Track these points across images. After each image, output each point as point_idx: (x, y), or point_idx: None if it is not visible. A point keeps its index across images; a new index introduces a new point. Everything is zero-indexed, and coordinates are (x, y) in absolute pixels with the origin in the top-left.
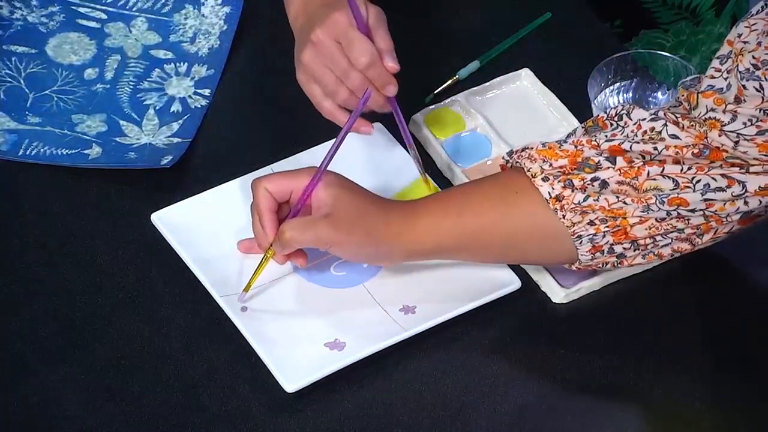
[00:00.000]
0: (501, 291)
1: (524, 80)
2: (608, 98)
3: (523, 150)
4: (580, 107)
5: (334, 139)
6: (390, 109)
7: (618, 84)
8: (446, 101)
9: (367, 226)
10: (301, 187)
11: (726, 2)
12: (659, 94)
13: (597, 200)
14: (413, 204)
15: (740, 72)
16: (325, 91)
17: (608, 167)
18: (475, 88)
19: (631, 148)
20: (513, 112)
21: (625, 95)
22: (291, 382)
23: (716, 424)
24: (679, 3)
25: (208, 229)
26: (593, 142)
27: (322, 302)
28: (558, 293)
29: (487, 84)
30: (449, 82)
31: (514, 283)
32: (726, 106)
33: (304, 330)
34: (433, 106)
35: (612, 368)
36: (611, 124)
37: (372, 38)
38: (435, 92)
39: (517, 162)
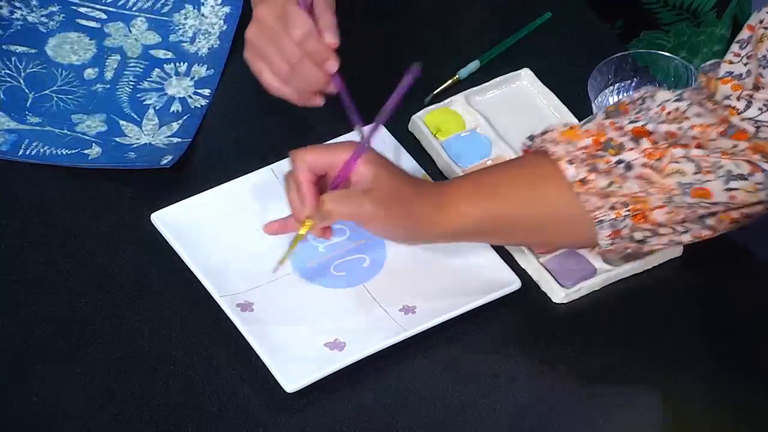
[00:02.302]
0: (501, 291)
1: (524, 80)
2: (608, 98)
3: (544, 133)
4: (580, 107)
5: (377, 115)
6: (335, 89)
7: (618, 84)
8: (446, 101)
9: (404, 205)
10: (340, 161)
11: (727, 4)
12: None
13: (620, 187)
14: (445, 186)
15: (758, 59)
16: (269, 67)
17: (632, 148)
18: (475, 88)
19: (655, 129)
20: (513, 112)
21: (625, 95)
22: (291, 382)
23: (716, 424)
24: (680, 4)
25: (208, 229)
26: (616, 125)
27: (322, 302)
28: (558, 293)
29: (487, 84)
30: (449, 82)
31: (514, 283)
32: (742, 92)
33: (304, 330)
34: (433, 106)
35: (612, 368)
36: (634, 108)
37: (314, 15)
38: (435, 92)
39: (540, 146)
